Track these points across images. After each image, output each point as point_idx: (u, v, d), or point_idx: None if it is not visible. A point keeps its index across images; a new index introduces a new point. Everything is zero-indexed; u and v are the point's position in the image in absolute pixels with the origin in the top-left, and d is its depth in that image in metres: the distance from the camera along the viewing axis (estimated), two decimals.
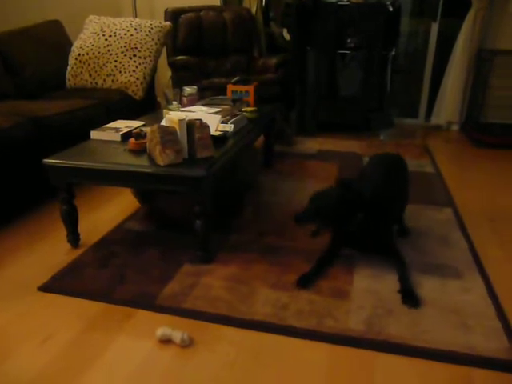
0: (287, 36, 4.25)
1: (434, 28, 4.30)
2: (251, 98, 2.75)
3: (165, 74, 4.27)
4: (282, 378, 1.34)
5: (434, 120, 4.37)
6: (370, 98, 3.98)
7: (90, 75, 3.30)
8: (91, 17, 3.49)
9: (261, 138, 3.07)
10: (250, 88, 2.77)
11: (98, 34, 3.31)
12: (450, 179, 2.97)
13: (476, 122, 4.04)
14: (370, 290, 1.75)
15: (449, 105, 4.19)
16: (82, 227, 2.15)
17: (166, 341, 1.48)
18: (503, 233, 2.24)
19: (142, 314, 1.62)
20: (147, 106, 3.35)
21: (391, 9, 3.77)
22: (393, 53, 3.93)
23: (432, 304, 1.66)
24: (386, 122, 4.14)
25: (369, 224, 1.82)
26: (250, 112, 2.51)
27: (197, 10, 4.09)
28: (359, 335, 1.50)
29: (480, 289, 1.76)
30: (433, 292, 1.74)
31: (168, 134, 1.77)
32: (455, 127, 4.29)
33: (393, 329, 1.53)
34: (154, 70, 3.44)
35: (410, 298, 1.68)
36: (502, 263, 1.97)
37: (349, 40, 3.90)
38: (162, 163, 1.77)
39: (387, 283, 1.79)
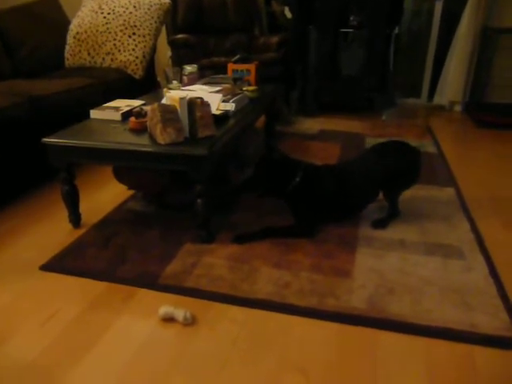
0: (289, 14, 4.18)
1: (438, 6, 4.21)
2: (252, 77, 2.71)
3: (165, 52, 4.21)
4: (284, 356, 1.35)
5: (436, 100, 4.33)
6: (372, 78, 3.93)
7: (89, 54, 3.25)
8: None
9: (262, 118, 3.04)
10: (251, 67, 2.73)
11: (97, 12, 3.25)
12: (453, 159, 2.95)
13: (479, 102, 4.00)
14: (371, 268, 1.75)
15: (452, 84, 4.13)
16: (83, 207, 2.14)
17: (169, 319, 1.49)
18: (505, 213, 2.24)
19: (144, 293, 1.63)
20: (147, 85, 3.31)
21: None
22: (396, 31, 3.86)
23: (434, 283, 1.66)
24: (388, 102, 4.10)
25: (300, 190, 1.97)
26: (251, 91, 2.47)
27: None
28: (361, 313, 1.51)
29: (482, 268, 1.76)
30: (435, 271, 1.74)
31: (169, 113, 1.75)
32: (458, 107, 4.25)
33: (395, 307, 1.53)
34: (154, 48, 3.39)
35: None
36: (504, 243, 1.96)
37: (351, 18, 3.83)
38: (163, 142, 1.75)
39: (389, 262, 1.79)
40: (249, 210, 2.23)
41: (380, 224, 2.08)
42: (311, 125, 3.75)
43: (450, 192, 2.44)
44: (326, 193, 2.00)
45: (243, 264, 1.79)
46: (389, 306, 1.54)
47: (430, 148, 3.18)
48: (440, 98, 4.29)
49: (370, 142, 3.32)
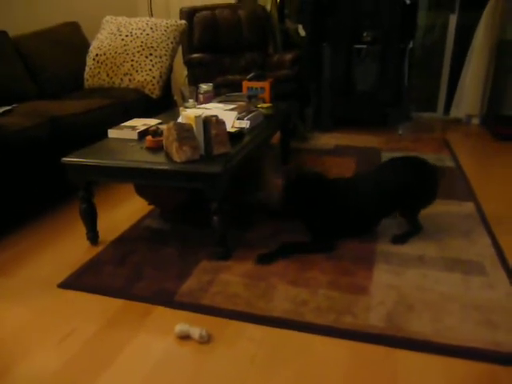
0: (302, 32, 4.22)
1: (453, 20, 4.22)
2: (267, 95, 2.74)
3: (181, 72, 4.28)
4: (301, 375, 1.32)
5: (453, 113, 4.29)
6: (387, 93, 3.92)
7: (108, 75, 3.32)
8: (108, 17, 3.52)
9: (277, 135, 3.06)
10: (266, 84, 2.76)
11: (115, 34, 3.34)
12: (472, 174, 2.91)
13: (497, 114, 3.94)
14: (390, 285, 1.72)
15: (468, 98, 4.10)
16: (101, 225, 2.17)
17: (185, 337, 1.48)
18: None
19: (161, 311, 1.63)
20: (164, 104, 3.36)
21: (408, 1, 3.70)
22: (410, 46, 3.86)
23: (455, 300, 1.63)
24: (403, 116, 4.08)
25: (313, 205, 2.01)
26: (266, 108, 2.49)
27: (212, 8, 4.09)
28: (379, 331, 1.48)
29: (504, 285, 1.71)
30: (455, 288, 1.70)
31: (184, 131, 1.77)
32: (475, 120, 4.20)
33: (414, 325, 1.50)
34: (170, 68, 3.46)
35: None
36: None
37: (365, 34, 3.85)
38: (178, 160, 1.77)
39: (408, 278, 1.76)
40: (264, 227, 2.23)
41: (400, 239, 2.05)
42: (326, 140, 3.75)
43: (469, 207, 2.40)
44: (340, 207, 1.99)
45: (259, 281, 1.78)
46: (408, 323, 1.51)
47: (448, 162, 3.14)
48: (457, 112, 4.25)
49: (386, 156, 3.29)
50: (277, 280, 1.78)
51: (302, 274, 1.82)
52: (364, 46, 3.89)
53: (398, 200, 2.04)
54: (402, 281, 1.75)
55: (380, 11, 3.71)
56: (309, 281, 1.77)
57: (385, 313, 1.57)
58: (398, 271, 1.82)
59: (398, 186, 2.02)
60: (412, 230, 2.09)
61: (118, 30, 3.36)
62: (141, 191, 2.25)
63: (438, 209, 2.37)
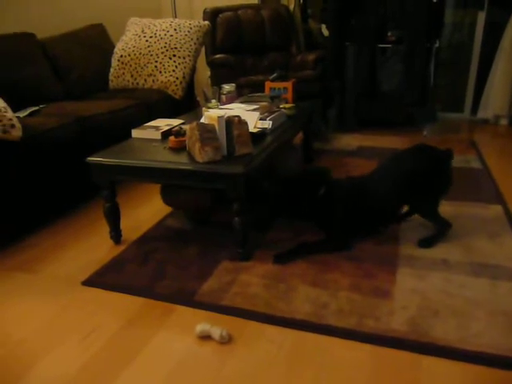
0: (326, 32, 4.19)
1: (481, 17, 4.11)
2: (289, 95, 2.72)
3: (204, 73, 4.31)
4: (321, 378, 1.31)
5: (480, 114, 4.18)
6: (412, 93, 3.85)
7: (132, 76, 3.37)
8: (132, 19, 3.57)
9: (299, 136, 3.04)
10: (289, 84, 2.74)
11: (139, 36, 3.38)
12: (499, 175, 2.83)
13: None
14: (413, 289, 1.69)
15: (497, 98, 3.99)
16: (124, 224, 2.20)
17: (205, 337, 1.48)
18: None
19: (182, 310, 1.64)
20: (187, 104, 3.39)
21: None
22: (437, 45, 3.78)
23: (482, 306, 1.58)
24: (429, 117, 4.00)
25: (324, 205, 1.97)
26: (289, 109, 2.48)
27: (235, 8, 4.10)
28: (402, 336, 1.45)
29: None
30: (482, 293, 1.65)
31: (207, 132, 1.78)
32: (504, 121, 4.09)
33: (439, 331, 1.46)
34: (193, 69, 3.48)
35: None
36: None
37: (390, 33, 3.79)
38: (201, 160, 1.77)
39: (432, 282, 1.72)
40: (285, 228, 2.22)
41: (426, 243, 1.99)
42: (349, 141, 3.71)
43: (496, 209, 2.34)
44: (349, 205, 1.96)
45: (280, 283, 1.77)
46: (432, 329, 1.48)
47: (475, 163, 3.06)
48: (484, 112, 4.15)
49: None
50: (297, 281, 1.77)
51: (323, 276, 1.80)
52: (389, 46, 3.83)
53: (413, 189, 1.96)
54: (426, 285, 1.71)
55: (405, 10, 3.65)
56: (329, 283, 1.75)
57: (408, 317, 1.53)
58: (421, 275, 1.78)
59: (411, 174, 1.95)
60: (439, 232, 2.03)
61: (143, 31, 3.40)
62: (168, 200, 2.24)
63: (464, 211, 2.31)
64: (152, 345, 1.47)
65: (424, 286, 1.71)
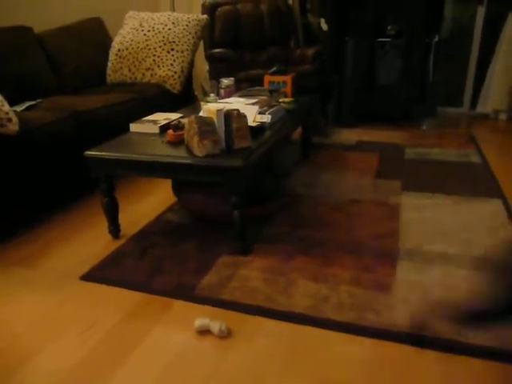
0: (324, 26, 4.17)
1: (481, 12, 4.09)
2: (288, 89, 2.71)
3: (202, 67, 4.29)
4: (321, 372, 1.30)
5: (479, 108, 4.18)
6: (411, 88, 3.84)
7: (130, 70, 3.35)
8: (130, 12, 3.54)
9: (298, 130, 3.03)
10: (288, 79, 2.73)
11: (137, 30, 3.35)
12: (499, 170, 2.82)
13: None
14: (413, 283, 1.68)
15: (496, 92, 3.98)
16: (123, 219, 2.18)
17: (204, 331, 1.48)
18: None
19: (180, 305, 1.63)
20: (185, 99, 3.37)
21: None
22: (436, 39, 3.77)
23: None
24: (428, 111, 3.99)
25: None
26: (288, 103, 2.47)
27: (234, 2, 4.07)
28: (403, 330, 1.44)
29: None
30: (481, 287, 1.64)
31: (206, 125, 1.76)
32: (503, 116, 4.08)
33: (438, 325, 1.46)
34: (192, 63, 3.46)
35: None
36: None
37: (389, 27, 3.77)
38: (199, 154, 1.76)
39: (432, 276, 1.72)
40: (284, 222, 2.21)
41: None
42: (348, 136, 3.70)
43: (496, 203, 2.33)
44: None
45: (279, 277, 1.76)
46: (432, 323, 1.47)
47: (474, 158, 3.06)
48: (483, 107, 4.14)
49: (410, 152, 3.23)
50: (297, 276, 1.76)
51: (323, 270, 1.79)
52: (388, 40, 3.82)
53: None
54: (427, 279, 1.71)
55: (404, 4, 3.63)
56: (329, 277, 1.74)
57: (409, 311, 1.53)
58: (421, 268, 1.78)
59: None
60: None
61: (141, 25, 3.37)
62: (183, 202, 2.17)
63: (464, 205, 2.31)
64: (150, 339, 1.46)
65: (424, 280, 1.70)
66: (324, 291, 1.66)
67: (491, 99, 4.04)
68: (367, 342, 1.41)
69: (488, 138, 3.57)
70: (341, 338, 1.43)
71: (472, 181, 2.65)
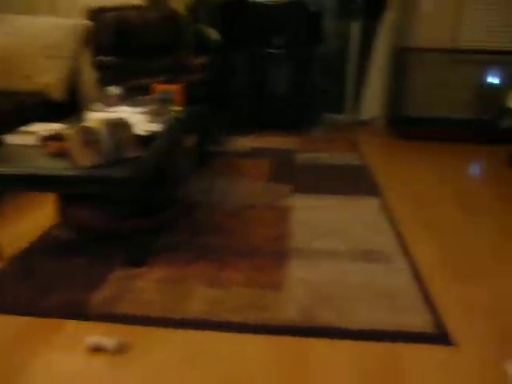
0: (215, 36, 4.25)
1: (355, 27, 4.49)
2: (178, 98, 2.71)
3: (89, 74, 4.09)
4: (222, 375, 1.32)
5: (360, 115, 4.57)
6: (298, 96, 4.08)
7: (5, 78, 3.08)
8: (1, 16, 3.27)
9: (194, 138, 3.04)
10: (177, 88, 2.73)
11: (11, 34, 3.10)
12: (377, 171, 3.11)
13: (399, 116, 4.26)
14: (303, 279, 1.78)
15: (373, 101, 4.39)
16: (6, 237, 2.00)
17: (98, 349, 1.41)
18: (426, 218, 2.38)
19: (72, 325, 1.54)
20: (70, 108, 3.19)
21: (313, 9, 3.89)
22: (319, 51, 4.05)
23: (364, 289, 1.73)
24: (315, 118, 4.26)
25: None
26: (178, 112, 2.47)
27: (121, 9, 3.96)
28: (294, 324, 1.52)
29: (406, 270, 1.85)
30: (364, 277, 1.80)
31: (90, 135, 1.70)
32: (380, 122, 4.51)
33: (327, 315, 1.57)
34: (76, 70, 3.29)
35: None
36: (425, 246, 2.09)
37: (275, 39, 3.97)
38: (84, 165, 1.69)
39: (321, 272, 1.84)
40: (182, 230, 2.20)
41: None
42: (243, 143, 3.80)
43: (374, 201, 2.57)
44: None
45: (176, 285, 1.75)
46: (321, 314, 1.57)
47: (356, 161, 3.33)
48: (363, 113, 4.53)
49: (301, 157, 3.42)
50: (193, 283, 1.76)
51: (219, 275, 1.82)
52: (275, 51, 4.01)
53: None
54: (315, 274, 1.82)
55: (287, 17, 3.85)
56: (225, 281, 1.78)
57: (300, 306, 1.62)
58: (310, 265, 1.89)
59: None
60: None
61: (16, 29, 3.13)
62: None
63: (347, 204, 2.50)
64: (38, 365, 1.36)
65: (313, 276, 1.81)
66: (220, 295, 1.68)
67: (369, 107, 4.44)
68: (264, 340, 1.46)
69: (367, 142, 3.92)
70: (238, 339, 1.47)
71: (353, 182, 2.89)
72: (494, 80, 3.94)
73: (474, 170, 3.36)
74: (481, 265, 1.94)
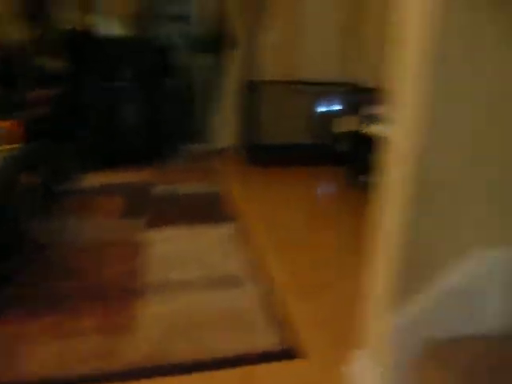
0: (62, 68, 4.02)
1: (204, 62, 4.69)
2: (13, 134, 2.49)
3: None
4: None
5: (215, 144, 4.73)
6: (149, 129, 4.06)
7: None
8: None
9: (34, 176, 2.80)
10: (12, 123, 2.50)
11: None
12: (233, 197, 3.23)
13: (251, 143, 4.51)
14: (160, 314, 1.74)
15: (224, 130, 4.61)
16: None
17: None
18: (279, 239, 2.53)
19: None
20: None
21: (161, 44, 3.96)
22: (170, 84, 4.11)
23: (217, 315, 1.74)
24: (171, 150, 4.28)
25: None
26: (8, 150, 2.26)
27: None
28: (145, 365, 1.47)
29: (258, 293, 1.92)
30: (220, 304, 1.82)
31: None
32: (235, 149, 4.71)
33: (182, 349, 1.54)
34: None
35: None
36: (277, 265, 2.21)
37: (123, 73, 3.92)
38: None
39: (175, 304, 1.81)
40: (29, 278, 1.98)
41: None
42: (94, 179, 3.62)
43: (230, 227, 2.65)
44: None
45: (13, 346, 1.56)
46: (175, 349, 1.54)
47: (212, 189, 3.42)
48: (219, 142, 4.70)
49: (156, 189, 3.39)
50: (39, 338, 1.59)
51: (70, 325, 1.67)
52: (123, 84, 3.95)
53: None
54: (172, 308, 1.79)
55: (134, 52, 3.86)
56: (76, 330, 1.64)
57: (151, 344, 1.57)
58: (167, 299, 1.85)
59: None
60: None
61: None
62: None
63: (202, 232, 2.54)
64: None
65: (169, 310, 1.78)
66: (71, 346, 1.55)
67: (224, 136, 4.64)
68: None
69: (224, 170, 4.06)
70: None
71: (211, 209, 2.95)
72: (323, 109, 4.44)
73: (320, 190, 3.71)
74: (325, 280, 2.10)
